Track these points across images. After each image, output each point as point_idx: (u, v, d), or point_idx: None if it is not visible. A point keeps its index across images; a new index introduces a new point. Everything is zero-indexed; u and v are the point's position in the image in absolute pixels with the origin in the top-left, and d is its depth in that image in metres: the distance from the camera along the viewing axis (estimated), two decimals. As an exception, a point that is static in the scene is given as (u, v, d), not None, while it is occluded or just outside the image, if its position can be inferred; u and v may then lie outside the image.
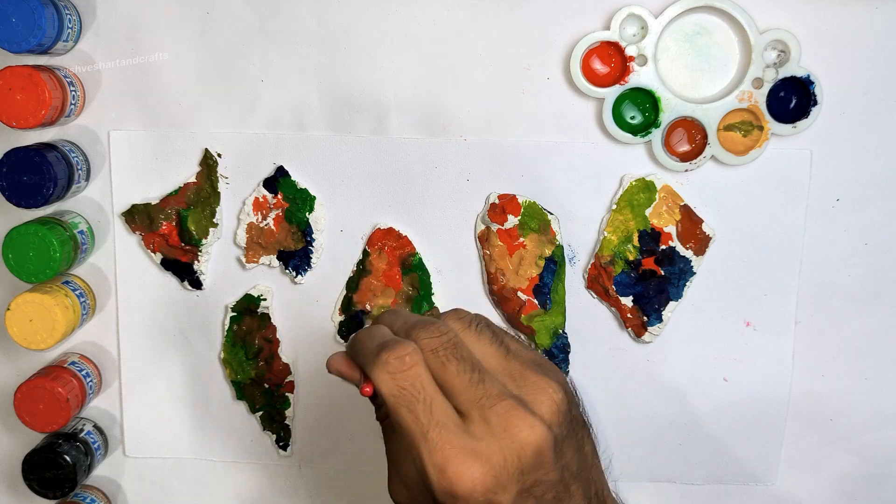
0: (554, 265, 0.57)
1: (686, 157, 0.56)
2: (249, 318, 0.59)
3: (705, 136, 0.55)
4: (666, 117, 0.55)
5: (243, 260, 0.59)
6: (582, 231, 0.58)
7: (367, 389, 0.38)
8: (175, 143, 0.58)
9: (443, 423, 0.36)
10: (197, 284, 0.59)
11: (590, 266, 0.58)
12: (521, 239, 0.57)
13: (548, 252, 0.57)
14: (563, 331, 0.58)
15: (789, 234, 0.57)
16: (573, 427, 0.39)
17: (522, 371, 0.39)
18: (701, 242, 0.57)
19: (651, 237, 0.57)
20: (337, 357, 0.41)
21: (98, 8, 0.57)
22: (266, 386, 0.60)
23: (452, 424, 0.37)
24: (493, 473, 0.36)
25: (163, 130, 0.58)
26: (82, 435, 0.59)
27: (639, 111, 0.56)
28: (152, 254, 0.59)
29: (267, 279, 0.60)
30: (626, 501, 0.43)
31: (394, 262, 0.58)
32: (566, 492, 0.38)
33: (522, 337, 0.58)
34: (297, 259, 0.58)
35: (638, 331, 0.58)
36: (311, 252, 0.58)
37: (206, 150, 0.58)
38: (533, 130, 0.57)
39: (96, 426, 0.61)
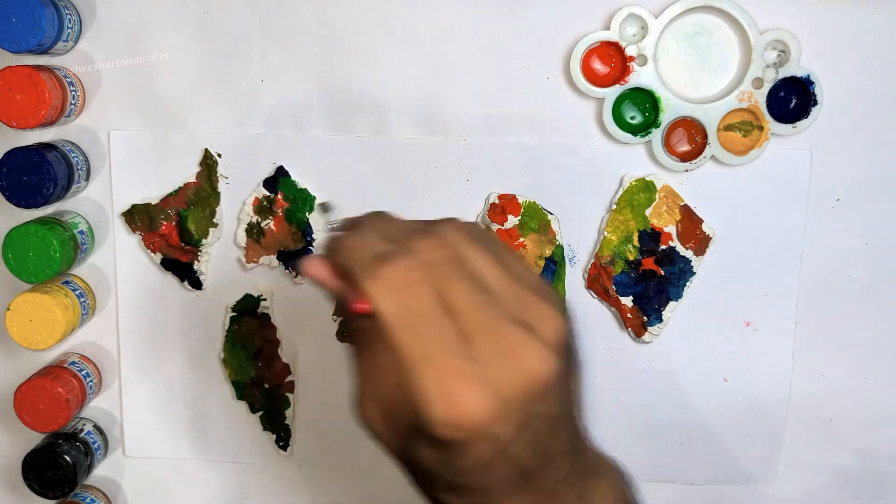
0: (554, 265, 0.57)
1: (686, 157, 0.56)
2: (249, 318, 0.59)
3: (705, 136, 0.55)
4: (666, 117, 0.55)
5: (243, 260, 0.59)
6: (582, 231, 0.58)
7: (362, 306, 0.34)
8: (175, 143, 0.58)
9: (449, 348, 0.33)
10: (197, 284, 0.59)
11: (590, 266, 0.58)
12: (521, 239, 0.57)
13: (548, 252, 0.57)
14: (563, 331, 0.58)
15: (789, 234, 0.57)
16: (571, 359, 0.36)
17: (526, 295, 0.35)
18: (701, 242, 0.57)
19: (651, 237, 0.57)
20: (315, 261, 0.36)
21: (98, 8, 0.57)
22: (266, 386, 0.60)
23: (459, 349, 0.33)
24: (500, 404, 0.33)
25: (163, 130, 0.58)
26: (82, 435, 0.59)
27: (639, 111, 0.56)
28: (152, 254, 0.59)
29: (267, 279, 0.60)
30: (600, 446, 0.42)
31: (394, 262, 0.58)
32: (560, 426, 0.36)
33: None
34: (297, 259, 0.58)
35: (638, 331, 0.58)
36: (312, 252, 0.58)
37: (206, 150, 0.58)
38: (533, 130, 0.57)
39: (96, 426, 0.61)
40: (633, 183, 0.56)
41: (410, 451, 0.35)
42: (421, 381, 0.33)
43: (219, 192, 0.58)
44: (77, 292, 0.58)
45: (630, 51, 0.54)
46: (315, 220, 0.58)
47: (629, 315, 0.58)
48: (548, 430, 0.35)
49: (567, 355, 0.35)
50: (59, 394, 0.56)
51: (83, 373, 0.59)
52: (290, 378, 0.60)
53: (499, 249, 0.36)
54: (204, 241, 0.59)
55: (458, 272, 0.34)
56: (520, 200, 0.57)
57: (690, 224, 0.56)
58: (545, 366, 0.33)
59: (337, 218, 0.43)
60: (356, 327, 0.36)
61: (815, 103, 0.54)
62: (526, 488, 0.35)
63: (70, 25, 0.55)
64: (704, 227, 0.56)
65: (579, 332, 0.39)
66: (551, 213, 0.57)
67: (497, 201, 0.57)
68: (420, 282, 0.34)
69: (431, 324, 0.33)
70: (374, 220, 0.37)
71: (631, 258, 0.57)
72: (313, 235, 0.58)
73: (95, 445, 0.60)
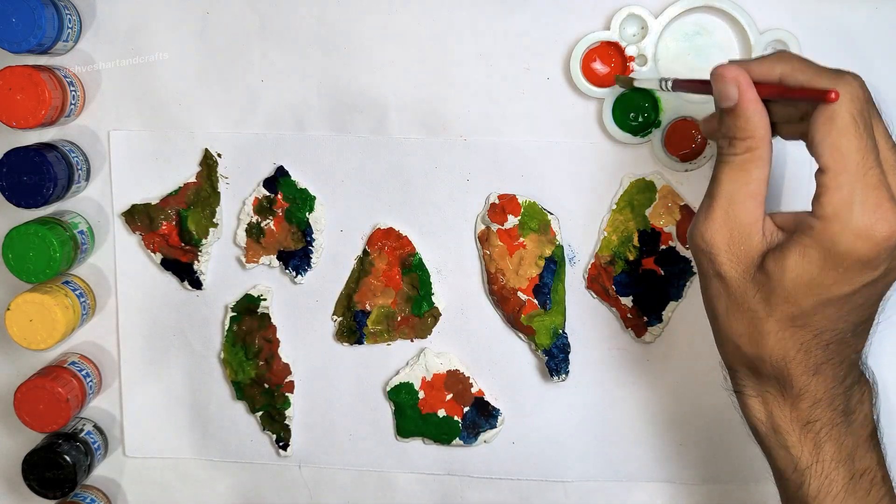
0: (554, 265, 0.57)
1: (686, 157, 0.56)
2: (249, 318, 0.59)
3: (705, 137, 0.55)
4: (666, 117, 0.55)
5: (243, 260, 0.59)
6: (582, 231, 0.58)
7: (834, 96, 0.36)
8: (175, 143, 0.58)
9: (887, 165, 0.37)
10: (197, 284, 0.59)
11: (590, 266, 0.58)
12: (521, 239, 0.57)
13: (548, 252, 0.57)
14: (563, 331, 0.58)
15: (789, 234, 0.57)
16: None
17: None
18: (701, 242, 0.57)
19: (651, 237, 0.57)
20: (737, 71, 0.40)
21: (98, 8, 0.57)
22: (266, 386, 0.60)
23: (886, 172, 0.37)
24: None
25: (163, 130, 0.58)
26: (82, 435, 0.59)
27: (639, 111, 0.56)
28: (152, 254, 0.59)
29: (267, 279, 0.60)
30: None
31: (394, 262, 0.58)
32: (883, 296, 0.40)
33: (522, 336, 0.58)
34: (297, 259, 0.58)
35: (638, 331, 0.58)
36: (311, 252, 0.58)
37: (206, 150, 0.58)
38: (533, 130, 0.57)
39: (96, 426, 0.61)
40: (633, 183, 0.56)
41: (762, 267, 0.39)
42: (851, 190, 0.36)
43: (219, 192, 0.58)
44: (77, 292, 0.58)
45: (630, 51, 0.54)
46: (315, 219, 0.58)
47: (629, 315, 0.58)
48: (883, 294, 0.40)
49: None
50: (59, 394, 0.56)
51: (83, 373, 0.59)
52: (290, 378, 0.60)
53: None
54: (204, 241, 0.59)
55: (878, 114, 0.38)
56: (520, 200, 0.57)
57: (690, 224, 0.56)
58: None
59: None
60: (741, 137, 0.39)
61: (815, 103, 0.54)
62: (830, 361, 0.40)
63: (70, 25, 0.55)
64: (704, 227, 0.56)
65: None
66: (551, 213, 0.57)
67: (497, 201, 0.57)
68: (869, 100, 0.37)
69: (873, 138, 0.37)
70: (792, 56, 0.41)
71: (631, 258, 0.57)
72: (313, 235, 0.58)
73: (95, 445, 0.60)
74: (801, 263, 0.37)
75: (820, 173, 0.37)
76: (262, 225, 0.58)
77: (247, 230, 0.58)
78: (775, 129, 0.41)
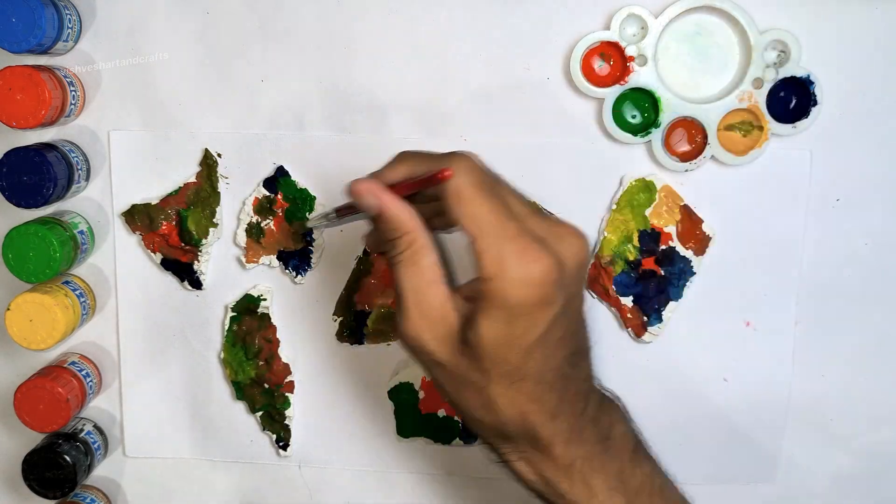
0: (554, 265, 0.57)
1: (686, 157, 0.56)
2: (249, 318, 0.59)
3: (705, 136, 0.55)
4: (666, 117, 0.55)
5: (243, 260, 0.59)
6: (582, 231, 0.58)
7: (448, 173, 0.39)
8: (175, 143, 0.58)
9: (520, 216, 0.39)
10: (197, 284, 0.59)
11: (590, 266, 0.58)
12: (521, 239, 0.57)
13: (548, 252, 0.57)
14: (563, 331, 0.58)
15: (789, 234, 0.57)
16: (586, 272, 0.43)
17: (548, 217, 0.42)
18: (701, 242, 0.57)
19: (651, 237, 0.57)
20: (367, 182, 0.42)
21: (98, 8, 0.57)
22: (266, 386, 0.60)
23: (523, 229, 0.39)
24: (560, 268, 0.38)
25: (163, 130, 0.58)
26: (82, 435, 0.59)
27: (639, 111, 0.56)
28: (152, 254, 0.59)
29: (267, 279, 0.60)
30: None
31: (394, 262, 0.58)
32: (583, 322, 0.42)
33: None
34: (297, 259, 0.58)
35: (638, 331, 0.58)
36: (311, 252, 0.58)
37: (206, 150, 0.58)
38: (533, 130, 0.57)
39: (96, 426, 0.61)
40: (633, 183, 0.56)
41: (465, 341, 0.40)
42: (499, 248, 0.38)
43: (219, 192, 0.58)
44: (77, 292, 0.58)
45: (630, 51, 0.54)
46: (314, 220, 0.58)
47: (629, 315, 0.58)
48: (578, 320, 0.41)
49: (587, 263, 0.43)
50: (59, 394, 0.56)
51: (83, 373, 0.59)
52: (289, 378, 0.60)
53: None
54: (204, 241, 0.59)
55: (498, 178, 0.41)
56: (520, 200, 0.56)
57: (690, 224, 0.56)
58: (582, 245, 0.40)
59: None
60: (394, 247, 0.41)
61: (815, 103, 0.54)
62: (568, 382, 0.41)
63: (70, 25, 0.55)
64: (704, 227, 0.56)
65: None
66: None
67: (497, 201, 0.57)
68: (487, 178, 0.40)
69: (505, 192, 0.40)
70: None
71: (631, 258, 0.57)
72: (313, 235, 0.58)
73: (95, 445, 0.60)
74: (490, 326, 0.39)
75: (471, 243, 0.39)
76: (262, 225, 0.58)
77: (247, 230, 0.58)
78: (433, 225, 0.43)
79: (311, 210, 0.58)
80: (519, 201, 0.41)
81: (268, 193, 0.58)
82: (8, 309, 0.55)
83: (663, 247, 0.57)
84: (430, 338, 0.41)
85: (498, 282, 0.38)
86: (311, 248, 0.58)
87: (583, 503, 0.42)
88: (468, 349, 0.40)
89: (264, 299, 0.59)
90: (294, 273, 0.59)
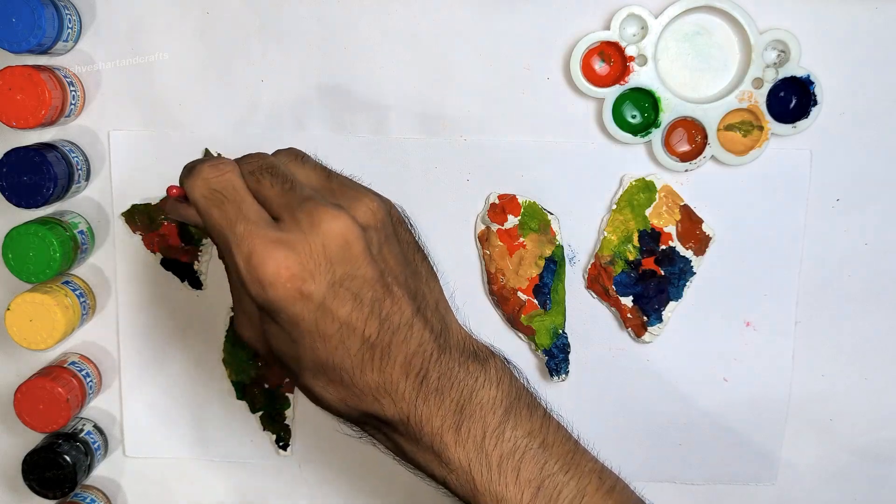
0: (554, 265, 0.57)
1: (686, 157, 0.56)
2: (249, 318, 0.59)
3: (705, 136, 0.55)
4: (666, 117, 0.55)
5: (243, 260, 0.59)
6: (582, 231, 0.58)
7: (175, 190, 0.40)
8: (175, 143, 0.58)
9: (251, 220, 0.38)
10: (197, 284, 0.59)
11: (590, 266, 0.58)
12: (521, 239, 0.57)
13: (548, 252, 0.57)
14: (563, 331, 0.58)
15: (789, 234, 0.57)
16: (394, 237, 0.41)
17: (342, 189, 0.41)
18: (701, 242, 0.57)
19: (651, 237, 0.57)
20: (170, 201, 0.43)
21: (98, 8, 0.57)
22: (266, 386, 0.60)
23: (262, 221, 0.38)
24: (298, 259, 0.37)
25: (163, 130, 0.58)
26: (82, 435, 0.59)
27: (639, 111, 0.56)
28: (152, 254, 0.59)
29: (267, 279, 0.60)
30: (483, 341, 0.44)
31: (394, 262, 0.58)
32: (388, 294, 0.39)
33: (522, 336, 0.58)
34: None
35: (638, 331, 0.58)
36: (311, 252, 0.58)
37: (206, 150, 0.58)
38: (533, 130, 0.57)
39: (96, 426, 0.61)
40: (633, 183, 0.56)
41: (268, 342, 0.40)
42: (231, 251, 0.38)
43: (219, 192, 0.58)
44: (77, 292, 0.58)
45: (630, 51, 0.54)
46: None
47: (629, 315, 0.58)
48: (372, 295, 0.39)
49: (382, 229, 0.40)
50: (59, 394, 0.56)
51: (83, 373, 0.59)
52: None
53: (325, 167, 0.43)
54: (204, 241, 0.59)
55: (270, 172, 0.40)
56: (520, 200, 0.57)
57: (690, 224, 0.56)
58: (339, 225, 0.38)
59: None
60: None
61: (815, 103, 0.54)
62: (382, 362, 0.39)
63: (70, 25, 0.55)
64: (704, 227, 0.56)
65: (415, 228, 0.44)
66: (551, 213, 0.57)
67: (497, 201, 0.57)
68: (230, 172, 0.40)
69: (237, 202, 0.39)
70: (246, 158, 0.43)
71: (631, 258, 0.57)
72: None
73: (95, 445, 0.60)
74: (268, 331, 0.40)
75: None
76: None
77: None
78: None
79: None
80: (276, 194, 0.40)
81: (268, 193, 0.58)
82: (8, 309, 0.55)
83: (663, 247, 0.57)
84: (250, 335, 0.41)
85: (245, 286, 0.38)
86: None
87: (443, 477, 0.41)
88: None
89: (264, 299, 0.59)
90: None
